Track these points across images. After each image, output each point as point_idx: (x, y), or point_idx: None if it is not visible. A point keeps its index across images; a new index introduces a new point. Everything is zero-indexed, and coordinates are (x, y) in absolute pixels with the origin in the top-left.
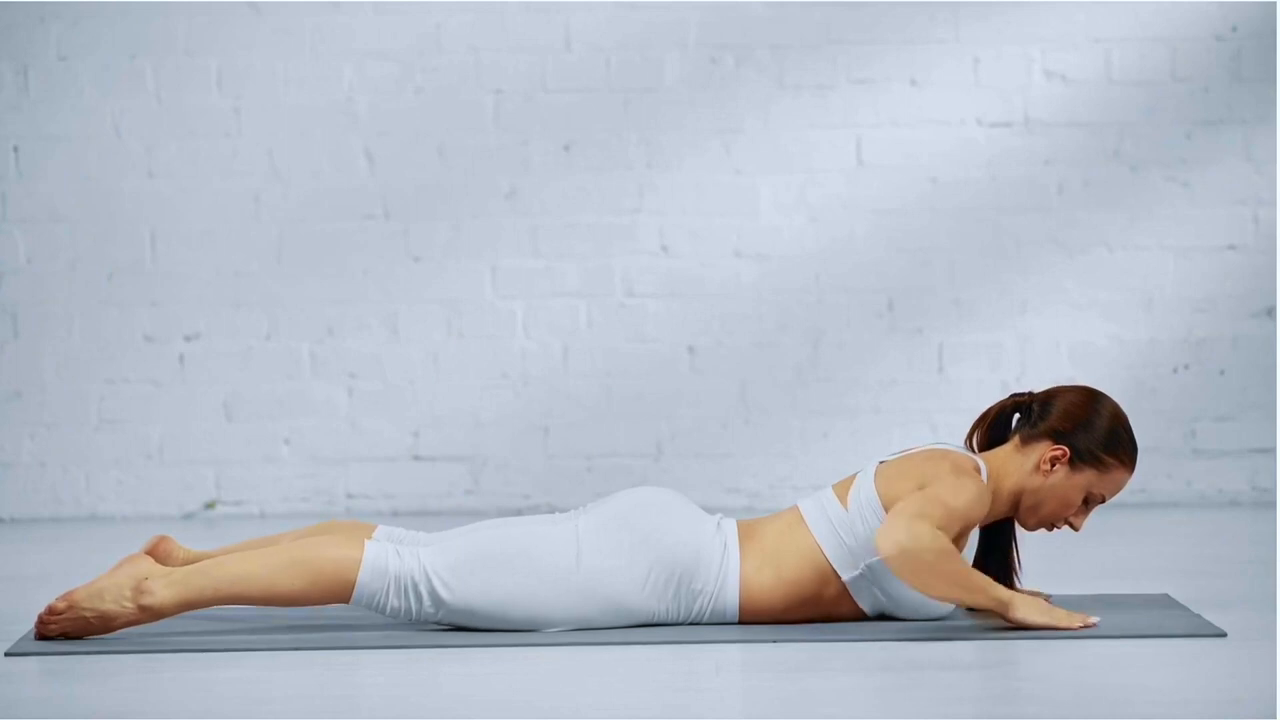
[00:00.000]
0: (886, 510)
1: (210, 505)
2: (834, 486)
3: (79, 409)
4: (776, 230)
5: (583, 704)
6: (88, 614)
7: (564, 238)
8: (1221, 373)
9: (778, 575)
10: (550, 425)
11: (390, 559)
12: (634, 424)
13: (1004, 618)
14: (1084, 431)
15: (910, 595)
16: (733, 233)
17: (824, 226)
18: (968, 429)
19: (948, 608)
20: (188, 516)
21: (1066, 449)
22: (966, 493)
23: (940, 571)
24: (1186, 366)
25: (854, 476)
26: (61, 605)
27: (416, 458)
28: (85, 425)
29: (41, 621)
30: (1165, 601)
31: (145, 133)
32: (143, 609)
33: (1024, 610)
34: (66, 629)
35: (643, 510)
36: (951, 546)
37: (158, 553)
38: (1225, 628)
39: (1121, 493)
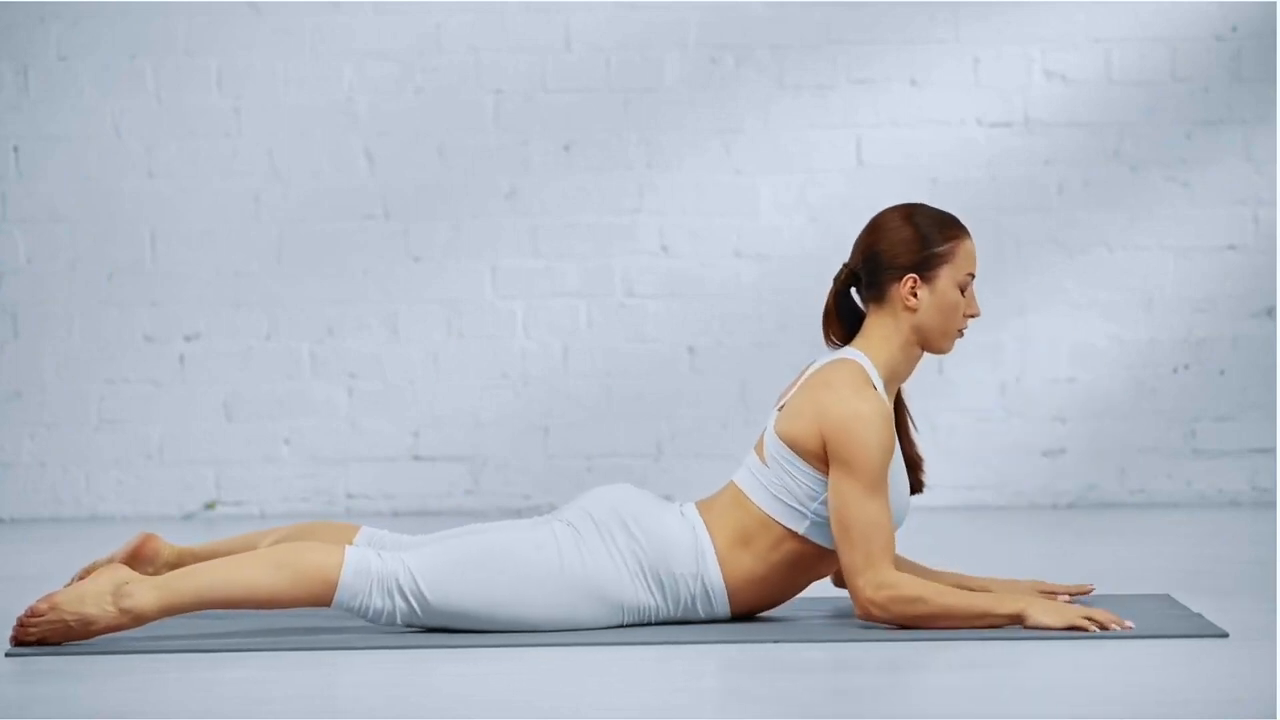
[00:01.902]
0: (794, 451)
1: (210, 505)
2: (755, 446)
3: (79, 409)
4: (776, 230)
5: (583, 704)
6: (69, 617)
7: (564, 238)
8: (1221, 373)
9: (747, 546)
10: (550, 425)
11: (372, 560)
12: (634, 424)
13: (1023, 628)
14: (909, 248)
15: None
16: (733, 233)
17: (824, 226)
18: (822, 333)
19: (904, 510)
20: (188, 517)
21: (911, 275)
22: (871, 442)
23: (922, 618)
24: (1186, 366)
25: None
26: (44, 607)
27: (416, 458)
28: (85, 425)
29: (21, 624)
30: (1166, 601)
31: (145, 133)
32: (123, 612)
33: (1040, 615)
34: (46, 633)
35: (612, 505)
36: (917, 591)
37: (144, 550)
38: (1226, 628)
39: (1122, 493)
